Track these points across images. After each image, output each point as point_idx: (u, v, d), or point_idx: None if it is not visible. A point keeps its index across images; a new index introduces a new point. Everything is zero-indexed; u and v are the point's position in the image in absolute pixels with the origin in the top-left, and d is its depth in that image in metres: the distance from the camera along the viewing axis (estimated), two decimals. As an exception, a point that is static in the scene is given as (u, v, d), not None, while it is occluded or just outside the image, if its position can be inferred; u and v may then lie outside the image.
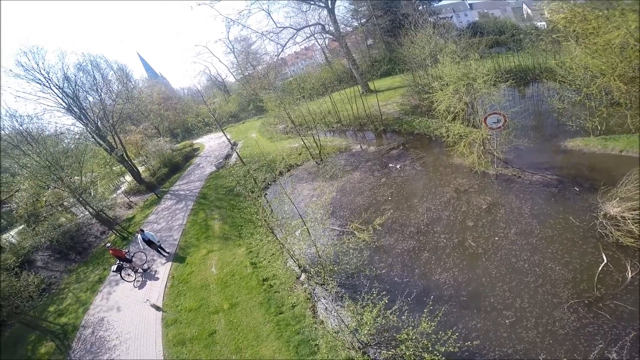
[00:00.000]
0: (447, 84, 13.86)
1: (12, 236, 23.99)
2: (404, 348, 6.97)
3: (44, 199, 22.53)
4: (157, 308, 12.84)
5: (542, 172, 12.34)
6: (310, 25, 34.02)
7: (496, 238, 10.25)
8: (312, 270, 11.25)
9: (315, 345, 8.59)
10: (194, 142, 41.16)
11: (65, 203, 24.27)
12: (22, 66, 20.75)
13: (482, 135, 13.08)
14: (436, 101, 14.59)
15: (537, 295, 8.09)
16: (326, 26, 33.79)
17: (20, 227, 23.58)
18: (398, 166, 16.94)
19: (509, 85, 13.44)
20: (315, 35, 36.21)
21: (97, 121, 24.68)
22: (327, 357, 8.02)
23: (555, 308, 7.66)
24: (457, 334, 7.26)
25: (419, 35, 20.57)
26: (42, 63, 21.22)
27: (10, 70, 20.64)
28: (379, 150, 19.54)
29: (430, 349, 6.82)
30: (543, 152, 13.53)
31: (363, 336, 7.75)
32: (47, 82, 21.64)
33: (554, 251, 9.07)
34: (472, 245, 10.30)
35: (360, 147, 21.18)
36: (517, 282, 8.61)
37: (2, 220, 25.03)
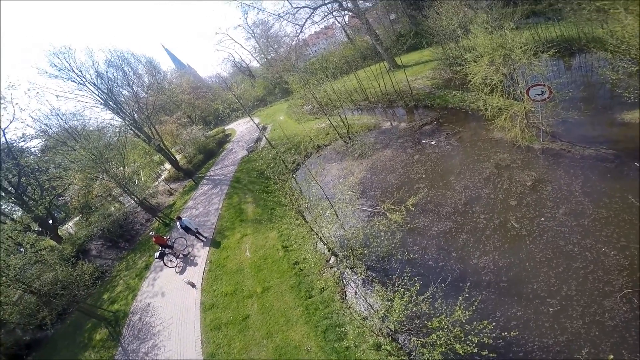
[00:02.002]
0: (481, 55, 12.79)
1: (71, 227, 26.55)
2: (435, 337, 6.58)
3: (94, 190, 24.40)
4: (192, 285, 13.68)
5: (596, 146, 10.81)
6: (327, 3, 32.41)
7: (542, 219, 9.25)
8: (340, 254, 11.04)
9: (343, 331, 8.48)
10: (226, 128, 42.09)
11: (113, 193, 26.20)
12: (56, 66, 21.91)
13: (524, 107, 11.88)
14: (470, 73, 13.53)
15: (587, 283, 7.24)
16: (344, 2, 32.09)
17: (77, 219, 25.94)
18: (432, 142, 15.92)
19: (552, 56, 11.99)
20: (334, 13, 34.49)
21: (133, 114, 25.89)
22: (355, 343, 7.86)
23: (606, 297, 6.82)
24: (493, 324, 6.72)
25: (445, 5, 19.08)
26: (74, 62, 22.35)
27: (45, 71, 21.89)
28: (411, 127, 18.51)
29: (463, 339, 6.35)
30: (596, 124, 11.86)
31: (391, 323, 7.46)
32: (82, 80, 22.84)
33: (609, 234, 7.99)
34: (515, 227, 9.41)
35: (391, 124, 20.22)
36: (565, 267, 7.76)
37: (62, 212, 27.77)
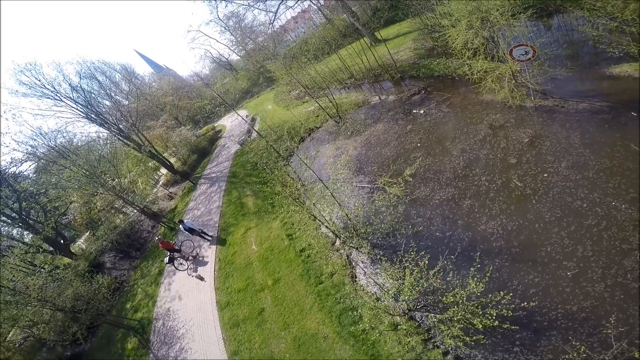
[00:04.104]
0: (458, 20, 12.60)
1: (82, 243, 26.70)
2: (451, 313, 6.49)
3: (97, 205, 24.25)
4: (201, 278, 14.04)
5: (589, 100, 10.47)
6: (298, -14, 30.90)
7: (545, 174, 8.99)
8: (342, 235, 10.96)
9: (357, 314, 8.46)
10: (215, 124, 41.37)
11: (116, 205, 26.05)
12: (25, 84, 20.69)
13: (510, 68, 11.62)
14: (450, 38, 13.35)
15: (602, 241, 6.92)
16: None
17: (86, 235, 26.00)
18: (422, 111, 15.56)
19: (530, 17, 12.05)
20: (307, -5, 32.89)
21: (118, 123, 25.14)
22: (371, 325, 7.86)
23: (625, 256, 6.51)
24: (511, 294, 6.57)
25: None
26: (43, 78, 21.11)
27: (16, 91, 20.78)
28: (400, 98, 18.06)
29: (481, 312, 6.25)
30: (585, 80, 11.51)
31: (403, 302, 7.41)
32: (57, 95, 21.73)
33: (616, 186, 7.66)
34: (519, 186, 9.17)
35: (379, 98, 19.74)
36: (577, 226, 7.47)
37: (70, 231, 27.77)
